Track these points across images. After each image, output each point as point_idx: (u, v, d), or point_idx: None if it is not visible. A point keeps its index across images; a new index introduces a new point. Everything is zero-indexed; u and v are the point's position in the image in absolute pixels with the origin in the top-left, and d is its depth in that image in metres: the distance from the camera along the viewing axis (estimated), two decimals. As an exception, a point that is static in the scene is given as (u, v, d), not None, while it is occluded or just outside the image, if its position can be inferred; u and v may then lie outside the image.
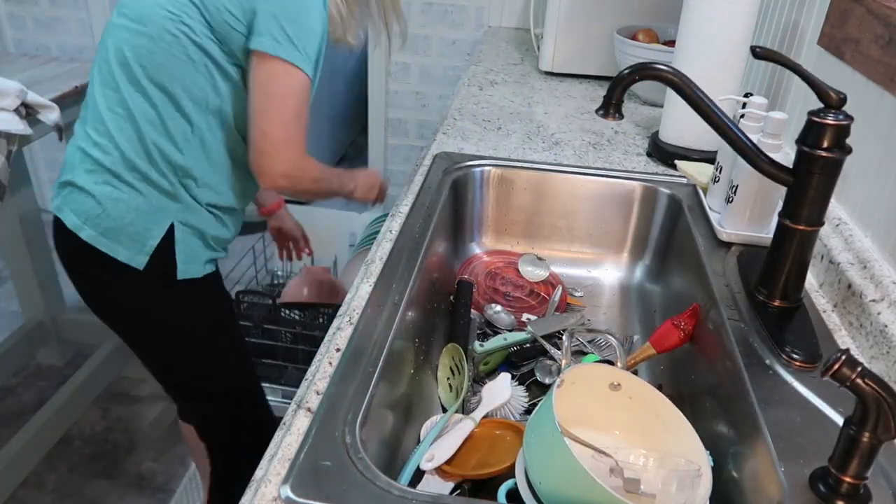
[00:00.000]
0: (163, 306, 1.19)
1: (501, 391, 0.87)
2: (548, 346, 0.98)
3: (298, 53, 1.03)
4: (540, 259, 1.21)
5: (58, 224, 1.14)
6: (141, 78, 1.07)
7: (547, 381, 0.96)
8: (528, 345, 1.01)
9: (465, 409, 0.92)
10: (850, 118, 0.78)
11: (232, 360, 1.32)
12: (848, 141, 0.79)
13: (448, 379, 0.94)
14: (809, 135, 0.79)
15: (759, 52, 0.85)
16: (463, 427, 0.81)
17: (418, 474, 0.79)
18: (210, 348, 1.27)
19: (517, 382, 0.95)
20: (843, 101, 0.78)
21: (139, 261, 1.11)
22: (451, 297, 1.09)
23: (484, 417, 0.85)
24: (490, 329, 1.07)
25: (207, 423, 1.39)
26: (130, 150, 1.08)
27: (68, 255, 1.17)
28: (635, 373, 0.95)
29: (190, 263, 1.15)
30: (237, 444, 1.39)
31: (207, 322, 1.25)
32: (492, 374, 0.98)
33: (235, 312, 1.52)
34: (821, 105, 0.79)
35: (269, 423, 1.41)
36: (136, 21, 1.06)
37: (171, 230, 1.12)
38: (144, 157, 1.09)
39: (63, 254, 1.18)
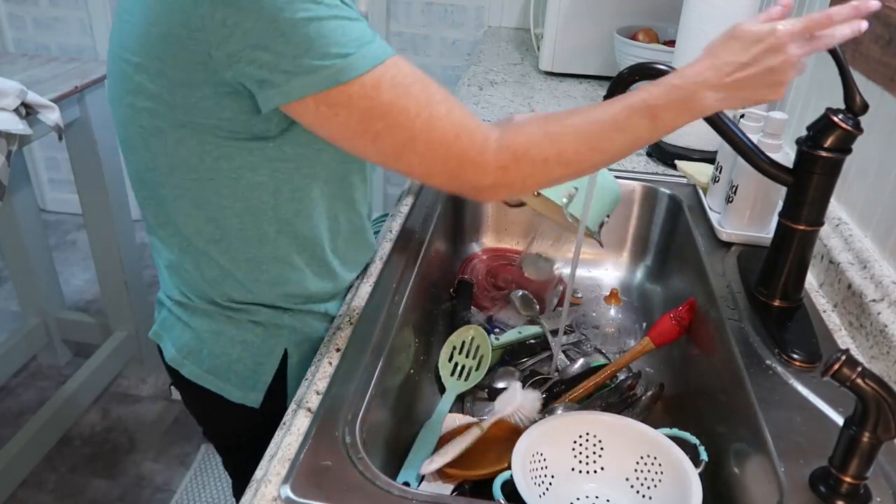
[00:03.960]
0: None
1: (513, 399, 0.85)
2: (551, 340, 0.99)
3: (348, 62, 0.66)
4: (545, 259, 1.21)
5: (160, 349, 0.93)
6: None
7: (545, 370, 0.96)
8: (532, 341, 1.02)
9: (464, 404, 0.92)
10: (861, 130, 0.77)
11: None
12: (848, 141, 0.79)
13: (451, 359, 0.95)
14: (818, 129, 0.78)
15: None
16: (469, 436, 0.81)
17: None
18: None
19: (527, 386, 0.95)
20: (866, 108, 0.77)
21: (254, 399, 0.89)
22: (451, 293, 1.10)
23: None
24: (488, 326, 1.07)
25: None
26: (202, 292, 0.86)
27: (175, 383, 0.95)
28: (639, 375, 0.95)
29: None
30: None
31: None
32: (491, 370, 0.98)
33: None
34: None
35: None
36: None
37: (284, 356, 0.89)
38: (221, 298, 0.85)
39: (171, 377, 0.95)
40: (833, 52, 0.77)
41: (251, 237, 0.80)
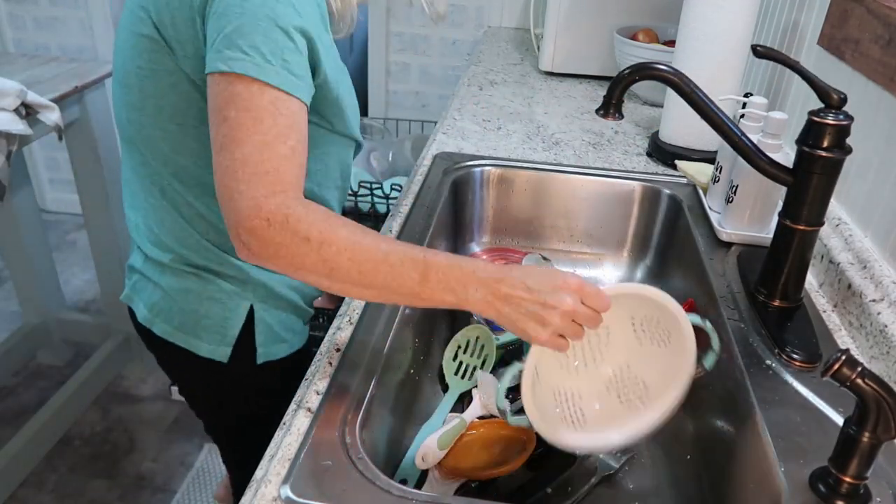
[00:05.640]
0: (244, 394, 1.02)
1: (487, 389, 0.87)
2: None
3: (261, 65, 0.71)
4: (545, 259, 1.21)
5: (132, 312, 0.99)
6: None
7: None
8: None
9: (464, 404, 0.92)
10: (851, 118, 0.78)
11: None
12: (848, 141, 0.79)
13: (456, 358, 0.95)
14: (809, 135, 0.79)
15: (759, 51, 0.85)
16: (454, 425, 0.81)
17: (421, 475, 0.79)
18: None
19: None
20: (844, 101, 0.78)
21: (222, 353, 0.94)
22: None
23: (482, 418, 0.85)
24: (487, 324, 1.07)
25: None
26: (178, 242, 0.90)
27: (147, 344, 1.01)
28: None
29: (270, 345, 0.97)
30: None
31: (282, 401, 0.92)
32: (492, 370, 0.98)
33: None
34: (821, 105, 0.79)
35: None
36: None
37: (250, 313, 0.94)
38: (196, 247, 0.90)
39: (143, 339, 1.01)
40: (788, 64, 0.82)
41: None
